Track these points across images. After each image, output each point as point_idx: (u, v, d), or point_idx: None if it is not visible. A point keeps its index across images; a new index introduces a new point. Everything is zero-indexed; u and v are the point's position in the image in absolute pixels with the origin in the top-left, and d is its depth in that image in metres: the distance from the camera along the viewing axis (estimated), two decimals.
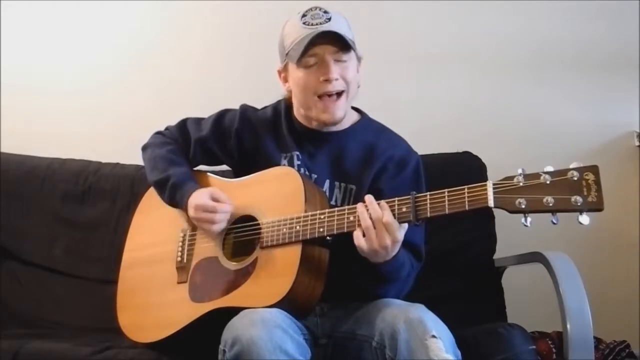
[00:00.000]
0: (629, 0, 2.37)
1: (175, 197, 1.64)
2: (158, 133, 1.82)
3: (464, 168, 2.13)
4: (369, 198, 1.39)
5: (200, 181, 1.74)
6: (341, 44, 1.54)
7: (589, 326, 1.52)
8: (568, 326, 1.52)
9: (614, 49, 2.38)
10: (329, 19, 1.54)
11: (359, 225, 1.38)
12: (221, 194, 1.59)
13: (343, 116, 1.61)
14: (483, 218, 2.08)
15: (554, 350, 2.00)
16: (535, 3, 2.42)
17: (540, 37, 2.42)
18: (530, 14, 2.43)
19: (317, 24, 1.53)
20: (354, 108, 1.72)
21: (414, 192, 1.35)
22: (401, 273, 1.48)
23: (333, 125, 1.62)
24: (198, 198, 1.58)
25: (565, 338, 1.53)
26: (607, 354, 2.07)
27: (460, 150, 2.21)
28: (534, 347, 1.60)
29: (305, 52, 1.52)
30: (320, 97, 1.56)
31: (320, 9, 1.56)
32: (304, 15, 1.56)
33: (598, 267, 2.23)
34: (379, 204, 1.37)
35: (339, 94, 1.57)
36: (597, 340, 2.07)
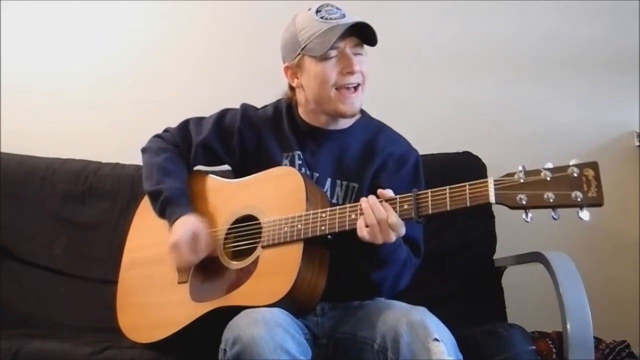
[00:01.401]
0: (629, 0, 2.37)
1: (165, 212, 1.65)
2: (157, 136, 1.82)
3: (464, 168, 2.13)
4: (372, 199, 1.39)
5: (200, 183, 1.74)
6: (364, 37, 1.55)
7: (589, 326, 1.52)
8: (568, 326, 1.53)
9: (614, 49, 2.38)
10: (343, 15, 1.57)
11: (361, 214, 1.38)
12: (202, 237, 1.57)
13: (359, 108, 1.62)
14: (483, 218, 2.09)
15: (554, 350, 2.00)
16: (535, 3, 2.42)
17: (540, 37, 2.42)
18: (530, 14, 2.43)
19: (336, 18, 1.55)
20: None
21: (416, 190, 1.36)
22: (398, 254, 1.48)
23: (351, 117, 1.63)
24: (182, 232, 1.57)
25: (565, 338, 1.53)
26: (607, 354, 2.07)
27: (460, 150, 2.21)
28: (534, 347, 1.61)
29: (334, 44, 1.52)
30: (338, 89, 1.57)
31: (332, 6, 1.58)
32: (318, 11, 1.57)
33: (598, 267, 2.23)
34: (381, 204, 1.38)
35: (356, 87, 1.58)
36: (597, 340, 2.07)
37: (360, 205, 1.40)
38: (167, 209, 1.64)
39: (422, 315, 1.36)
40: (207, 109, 1.80)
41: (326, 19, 1.55)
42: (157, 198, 1.67)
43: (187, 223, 1.59)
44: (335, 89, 1.56)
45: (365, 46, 1.59)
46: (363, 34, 1.55)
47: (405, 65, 2.45)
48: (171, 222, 1.62)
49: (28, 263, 2.19)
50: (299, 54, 1.58)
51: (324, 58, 1.55)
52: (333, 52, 1.55)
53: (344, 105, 1.58)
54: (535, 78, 2.42)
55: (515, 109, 2.42)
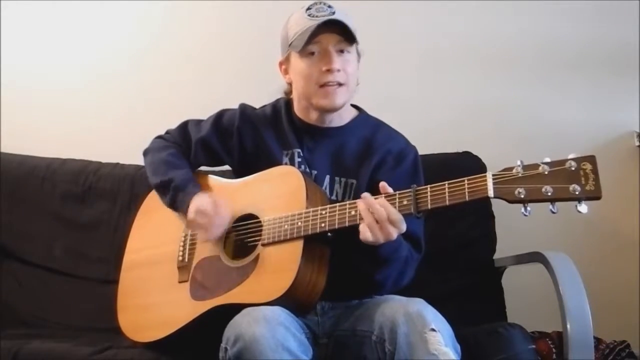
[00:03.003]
0: (629, 0, 2.37)
1: (176, 199, 1.64)
2: (159, 137, 1.82)
3: (464, 168, 2.10)
4: (369, 199, 1.39)
5: (201, 182, 1.74)
6: (344, 34, 1.56)
7: (589, 326, 1.52)
8: (568, 326, 1.52)
9: (614, 49, 2.38)
10: (333, 13, 1.56)
11: (361, 219, 1.38)
12: (222, 203, 1.58)
13: (343, 104, 1.62)
14: (483, 218, 2.09)
15: (554, 350, 2.00)
16: (535, 3, 2.42)
17: (540, 37, 2.42)
18: (530, 14, 2.43)
19: (323, 15, 1.55)
20: (352, 105, 1.73)
21: (415, 185, 1.36)
22: (400, 252, 1.48)
23: (332, 112, 1.63)
24: (200, 202, 1.58)
25: (565, 338, 1.53)
26: (607, 354, 2.07)
27: (460, 150, 2.21)
28: (534, 347, 1.61)
29: (309, 40, 1.54)
30: (321, 86, 1.57)
31: (324, 4, 1.59)
32: (308, 9, 1.58)
33: (598, 267, 2.23)
34: (380, 199, 1.38)
35: (340, 85, 1.58)
36: (597, 340, 2.07)
37: (359, 209, 1.39)
38: (178, 196, 1.63)
39: (419, 306, 1.36)
40: (207, 110, 1.80)
41: (313, 16, 1.56)
42: (167, 187, 1.66)
43: (205, 197, 1.59)
44: (319, 86, 1.57)
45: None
46: (348, 32, 1.56)
47: (406, 65, 2.45)
48: (185, 205, 1.60)
49: (28, 263, 2.19)
50: (288, 50, 1.61)
51: (305, 54, 1.57)
52: (315, 49, 1.56)
53: (325, 99, 1.58)
54: (536, 78, 2.42)
55: (515, 109, 2.42)
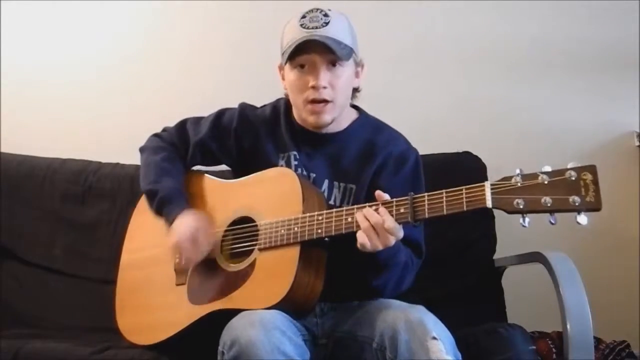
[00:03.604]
0: (629, 0, 2.37)
1: (162, 212, 1.63)
2: (155, 136, 1.81)
3: (464, 168, 2.13)
4: (365, 210, 1.38)
5: (196, 183, 1.74)
6: (333, 49, 1.51)
7: (589, 326, 1.52)
8: (568, 326, 1.52)
9: (613, 49, 2.37)
10: (327, 23, 1.52)
11: (358, 227, 1.38)
12: (202, 234, 1.54)
13: (330, 121, 1.59)
14: (483, 218, 2.08)
15: (554, 350, 2.00)
16: (535, 3, 2.42)
17: (540, 37, 2.42)
18: (530, 14, 2.43)
19: (313, 28, 1.51)
20: (352, 105, 1.71)
21: (412, 193, 1.35)
22: (398, 257, 1.48)
23: (320, 128, 1.61)
24: (183, 229, 1.55)
25: (565, 338, 1.53)
26: (607, 354, 2.07)
27: (460, 150, 2.21)
28: (534, 347, 1.60)
29: (292, 56, 1.52)
30: (309, 102, 1.55)
31: (320, 12, 1.53)
32: (303, 17, 1.54)
33: (598, 267, 2.23)
34: (377, 209, 1.37)
35: (327, 102, 1.55)
36: (597, 340, 2.07)
37: (356, 219, 1.38)
38: (164, 208, 1.63)
39: (421, 314, 1.36)
40: (206, 109, 1.79)
41: (305, 27, 1.52)
42: (153, 197, 1.65)
43: (186, 221, 1.57)
44: (307, 102, 1.55)
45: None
46: (337, 47, 1.51)
47: (405, 65, 2.45)
48: (169, 222, 1.60)
49: (28, 263, 2.19)
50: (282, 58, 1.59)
51: (295, 66, 1.55)
52: (304, 61, 1.53)
53: (311, 116, 1.57)
54: (536, 78, 2.42)
55: (515, 109, 2.42)
